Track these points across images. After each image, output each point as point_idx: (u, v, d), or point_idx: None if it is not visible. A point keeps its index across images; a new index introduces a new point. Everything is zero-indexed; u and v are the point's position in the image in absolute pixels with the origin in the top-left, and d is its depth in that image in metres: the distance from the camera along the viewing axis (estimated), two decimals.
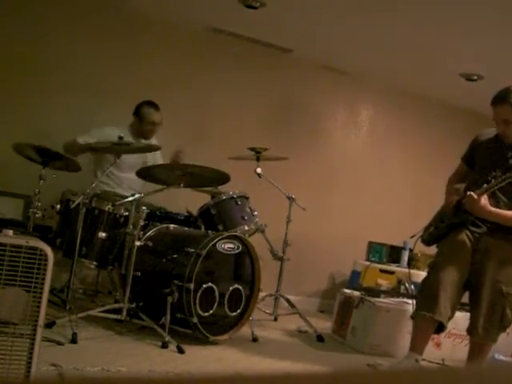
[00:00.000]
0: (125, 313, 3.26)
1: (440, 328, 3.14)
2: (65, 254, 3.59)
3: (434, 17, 4.00)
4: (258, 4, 4.21)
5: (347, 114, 5.73)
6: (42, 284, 1.89)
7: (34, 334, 1.90)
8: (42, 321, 1.92)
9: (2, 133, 4.29)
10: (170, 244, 3.57)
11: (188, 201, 4.10)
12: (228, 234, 3.49)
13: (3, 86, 4.36)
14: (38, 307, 1.90)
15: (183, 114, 4.91)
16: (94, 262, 3.66)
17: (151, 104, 4.23)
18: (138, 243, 3.32)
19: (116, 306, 3.32)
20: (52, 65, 4.53)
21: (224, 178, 3.57)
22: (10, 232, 1.90)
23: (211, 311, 3.36)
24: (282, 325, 4.24)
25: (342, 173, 5.60)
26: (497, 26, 3.98)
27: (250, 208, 3.88)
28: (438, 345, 3.88)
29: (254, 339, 3.60)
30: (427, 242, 3.35)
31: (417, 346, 3.16)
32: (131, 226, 3.39)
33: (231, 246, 3.47)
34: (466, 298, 3.27)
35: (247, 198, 3.90)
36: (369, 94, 5.77)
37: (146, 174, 3.64)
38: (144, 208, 3.40)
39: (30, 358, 1.89)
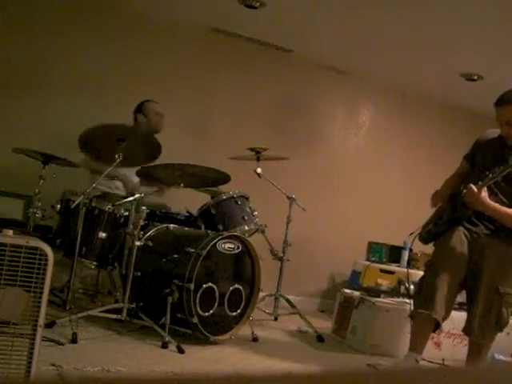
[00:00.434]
0: (125, 313, 3.26)
1: (436, 327, 3.15)
2: (65, 253, 3.59)
3: (434, 17, 4.00)
4: (258, 4, 4.21)
5: (347, 113, 5.73)
6: (42, 284, 1.89)
7: (34, 334, 1.90)
8: (42, 321, 1.92)
9: (2, 133, 4.29)
10: (170, 244, 3.56)
11: (188, 201, 4.10)
12: (228, 233, 3.49)
13: (3, 87, 4.36)
14: (38, 307, 1.90)
15: (183, 113, 4.91)
16: (94, 262, 3.66)
17: (149, 100, 4.33)
18: (138, 243, 3.32)
19: (116, 305, 3.32)
20: (52, 65, 4.53)
21: (224, 178, 3.57)
22: (10, 232, 1.90)
23: (211, 311, 3.36)
24: (282, 325, 4.24)
25: (342, 173, 5.60)
26: (497, 25, 3.98)
27: (250, 208, 3.88)
28: (438, 345, 3.88)
29: (254, 339, 3.60)
30: (425, 239, 3.35)
31: (416, 345, 3.17)
32: (131, 226, 3.39)
33: (231, 245, 3.47)
34: (465, 298, 3.27)
35: (247, 198, 3.90)
36: (369, 93, 5.77)
37: (146, 173, 3.64)
38: (144, 208, 3.39)
39: (30, 357, 1.89)
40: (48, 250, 1.90)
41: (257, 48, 5.14)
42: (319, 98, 5.54)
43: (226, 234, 3.47)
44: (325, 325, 4.33)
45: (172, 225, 3.70)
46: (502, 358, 3.72)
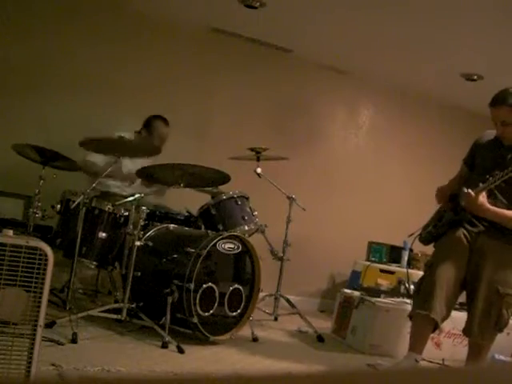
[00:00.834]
0: (125, 313, 3.26)
1: (435, 327, 3.15)
2: (65, 253, 3.59)
3: (434, 17, 4.00)
4: (258, 4, 4.21)
5: (347, 113, 5.73)
6: (42, 284, 1.89)
7: (34, 334, 1.90)
8: (42, 321, 1.92)
9: (2, 133, 4.29)
10: (170, 244, 3.56)
11: (188, 201, 4.10)
12: (228, 233, 3.49)
13: (3, 87, 4.36)
14: (38, 307, 1.90)
15: (183, 113, 4.91)
16: (94, 262, 3.66)
17: (161, 118, 4.28)
18: (138, 243, 3.32)
19: (116, 305, 3.32)
20: (52, 65, 4.53)
21: (224, 178, 3.57)
22: (10, 232, 1.90)
23: (211, 311, 3.36)
24: (282, 325, 4.24)
25: (342, 173, 5.60)
26: (497, 25, 3.98)
27: (250, 208, 3.88)
28: (438, 345, 3.88)
29: (254, 339, 3.60)
30: (425, 240, 3.35)
31: (416, 345, 3.16)
32: (131, 226, 3.39)
33: (231, 245, 3.47)
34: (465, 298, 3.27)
35: (247, 198, 3.90)
36: (369, 93, 5.77)
37: (146, 173, 3.64)
38: (144, 208, 3.40)
39: (30, 357, 1.89)
40: (48, 250, 1.90)
41: (257, 48, 5.14)
42: (319, 98, 5.54)
43: (226, 234, 3.47)
44: (325, 325, 4.33)
45: (172, 225, 3.70)
46: (502, 358, 3.72)
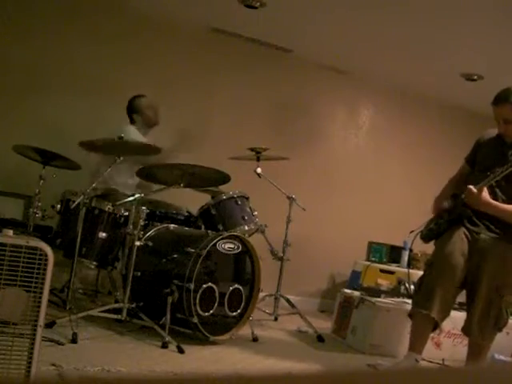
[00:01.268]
0: (125, 313, 3.26)
1: (435, 326, 3.15)
2: (65, 253, 3.59)
3: (434, 17, 4.00)
4: (258, 4, 4.21)
5: (347, 113, 5.73)
6: (42, 284, 1.89)
7: (34, 334, 1.90)
8: (42, 321, 1.92)
9: (2, 133, 4.29)
10: (170, 244, 3.56)
11: (188, 201, 4.10)
12: (228, 233, 3.49)
13: (3, 87, 4.36)
14: (38, 307, 1.90)
15: (183, 113, 4.91)
16: (94, 262, 3.66)
17: (139, 95, 4.26)
18: (138, 243, 3.32)
19: (116, 305, 3.32)
20: (52, 65, 4.53)
21: (224, 178, 3.57)
22: (10, 232, 1.90)
23: (211, 311, 3.36)
24: (282, 325, 4.24)
25: (342, 173, 5.60)
26: (496, 26, 3.98)
27: (250, 208, 3.88)
28: (438, 345, 3.88)
29: (254, 339, 3.60)
30: (426, 238, 3.35)
31: (416, 345, 3.16)
32: (131, 226, 3.39)
33: (231, 245, 3.47)
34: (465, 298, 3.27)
35: (247, 198, 3.90)
36: (369, 93, 5.77)
37: (146, 173, 3.64)
38: (144, 208, 3.40)
39: (30, 357, 1.89)
40: (48, 250, 1.90)
41: (257, 48, 5.14)
42: (319, 98, 5.54)
43: (226, 234, 3.47)
44: (325, 325, 4.33)
45: (172, 225, 3.70)
46: (502, 358, 3.72)
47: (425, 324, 3.14)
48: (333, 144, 5.64)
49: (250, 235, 3.83)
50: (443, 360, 3.71)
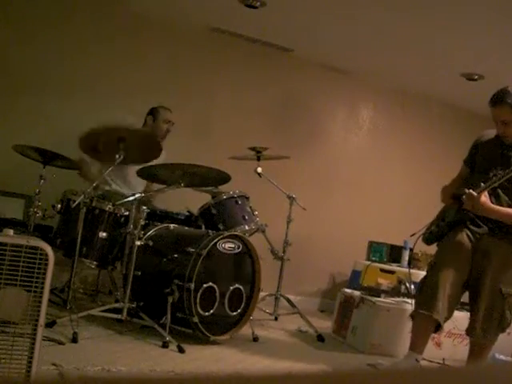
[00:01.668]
0: (125, 312, 3.26)
1: (437, 327, 3.15)
2: (65, 253, 3.59)
3: (434, 17, 4.00)
4: (259, 4, 4.21)
5: (348, 113, 5.73)
6: (43, 283, 1.89)
7: (35, 334, 1.90)
8: (42, 320, 1.92)
9: (2, 133, 4.30)
10: (171, 244, 3.57)
11: (188, 200, 4.10)
12: (228, 233, 3.49)
13: (3, 87, 4.36)
14: (39, 307, 1.90)
15: (183, 113, 4.90)
16: (95, 262, 3.66)
17: (164, 107, 4.28)
18: (138, 243, 3.32)
19: (116, 305, 3.31)
20: (52, 65, 4.53)
21: (224, 178, 3.57)
22: (11, 231, 1.90)
23: (212, 311, 3.36)
24: (283, 324, 4.24)
25: (342, 172, 5.60)
26: (497, 26, 3.98)
27: (250, 208, 3.88)
28: (439, 344, 3.88)
29: (255, 339, 3.60)
30: (428, 240, 3.34)
31: (417, 345, 3.16)
32: (132, 226, 3.39)
33: (232, 245, 3.47)
34: (466, 298, 3.27)
35: (248, 198, 3.90)
36: (369, 93, 5.77)
37: (146, 173, 3.64)
38: (144, 208, 3.40)
39: (31, 357, 1.89)
40: (48, 249, 1.90)
41: (257, 48, 5.14)
42: (319, 98, 5.54)
43: (226, 233, 3.47)
44: (325, 324, 4.33)
45: (172, 224, 3.70)
46: (502, 357, 3.72)
47: (426, 324, 3.14)
48: (333, 144, 5.64)
49: (250, 235, 3.84)
50: (443, 360, 3.71)
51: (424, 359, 3.31)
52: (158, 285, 3.41)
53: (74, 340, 2.90)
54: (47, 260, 1.88)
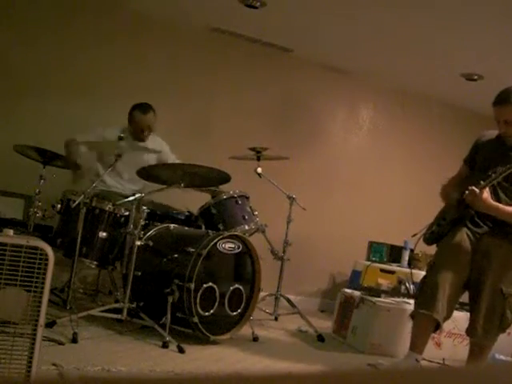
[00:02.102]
0: (125, 312, 3.26)
1: (437, 327, 3.15)
2: (65, 253, 3.59)
3: (434, 17, 4.00)
4: (259, 3, 4.21)
5: (348, 113, 5.73)
6: (43, 283, 1.89)
7: (35, 334, 1.90)
8: (42, 320, 1.92)
9: (3, 133, 4.30)
10: (171, 244, 3.57)
11: (189, 200, 4.10)
12: (228, 233, 3.49)
13: (4, 87, 4.36)
14: (39, 307, 1.90)
15: (183, 113, 4.91)
16: (95, 262, 3.66)
17: (141, 108, 4.09)
18: (138, 243, 3.32)
19: (116, 305, 3.31)
20: (52, 65, 4.53)
21: (225, 178, 3.57)
22: (11, 231, 1.90)
23: (212, 311, 3.36)
24: (283, 324, 4.24)
25: (342, 172, 5.60)
26: (497, 26, 3.98)
27: (250, 208, 3.88)
28: (439, 344, 3.88)
29: (255, 339, 3.60)
30: (429, 240, 3.34)
31: (417, 345, 3.16)
32: (132, 226, 3.39)
33: (232, 245, 3.47)
34: (466, 298, 3.27)
35: (248, 198, 3.90)
36: (369, 93, 5.77)
37: (146, 173, 3.64)
38: (144, 208, 3.40)
39: (31, 357, 1.89)
40: (48, 249, 1.90)
41: (257, 48, 5.14)
42: (319, 98, 5.54)
43: (226, 233, 3.47)
44: (325, 324, 4.33)
45: (172, 224, 3.70)
46: (502, 357, 3.72)
47: (426, 324, 3.14)
48: (333, 144, 5.64)
49: (250, 235, 3.84)
50: (443, 360, 3.71)
51: (424, 359, 3.31)
52: (158, 285, 3.41)
53: (74, 340, 2.90)
54: (47, 260, 1.88)
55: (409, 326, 3.34)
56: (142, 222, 3.36)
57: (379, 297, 3.95)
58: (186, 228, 3.78)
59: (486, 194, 3.01)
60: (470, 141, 3.39)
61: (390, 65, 5.20)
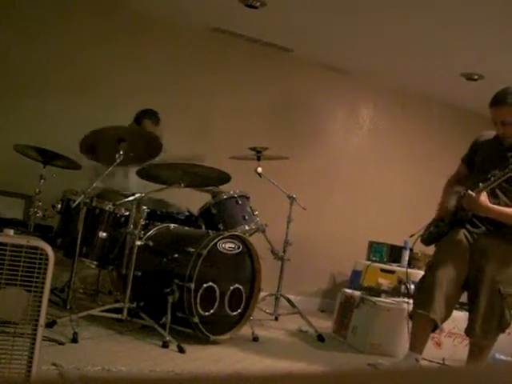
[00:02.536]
0: (125, 312, 3.26)
1: (435, 327, 3.15)
2: (65, 253, 3.59)
3: (434, 17, 4.00)
4: (259, 3, 4.21)
5: (348, 113, 5.73)
6: (43, 283, 1.89)
7: (35, 334, 1.90)
8: (42, 320, 1.92)
9: (2, 133, 4.30)
10: (171, 243, 3.57)
11: (189, 200, 4.10)
12: (229, 233, 3.49)
13: (3, 87, 4.36)
14: (39, 307, 1.90)
15: (183, 113, 4.91)
16: (95, 262, 3.66)
17: (152, 117, 4.13)
18: (138, 243, 3.32)
19: (117, 305, 3.32)
20: (52, 65, 4.53)
21: (225, 178, 3.57)
22: (11, 231, 1.90)
23: (212, 311, 3.36)
24: (283, 324, 4.24)
25: (342, 172, 5.60)
26: (497, 25, 3.98)
27: (250, 207, 3.88)
28: (439, 344, 3.88)
29: (255, 339, 3.60)
30: (427, 241, 3.34)
31: (416, 345, 3.16)
32: (132, 226, 3.39)
33: (232, 245, 3.47)
34: (466, 298, 3.27)
35: (248, 198, 3.90)
36: (369, 93, 5.77)
37: (146, 173, 3.64)
38: (144, 208, 3.40)
39: (31, 357, 1.89)
40: (49, 249, 1.90)
41: (257, 48, 5.14)
42: (319, 98, 5.54)
43: (226, 233, 3.48)
44: (325, 324, 4.33)
45: (173, 224, 3.70)
46: (502, 357, 3.72)
47: (425, 324, 3.14)
48: (333, 143, 5.64)
49: (250, 235, 3.84)
50: (443, 360, 3.71)
51: (424, 359, 3.31)
52: (158, 285, 3.41)
53: (74, 340, 2.90)
54: (47, 260, 1.88)
55: (408, 325, 3.34)
56: (142, 222, 3.36)
57: (379, 297, 3.95)
58: (186, 228, 3.78)
59: (484, 197, 3.00)
60: (470, 141, 3.39)
61: (390, 65, 5.20)
